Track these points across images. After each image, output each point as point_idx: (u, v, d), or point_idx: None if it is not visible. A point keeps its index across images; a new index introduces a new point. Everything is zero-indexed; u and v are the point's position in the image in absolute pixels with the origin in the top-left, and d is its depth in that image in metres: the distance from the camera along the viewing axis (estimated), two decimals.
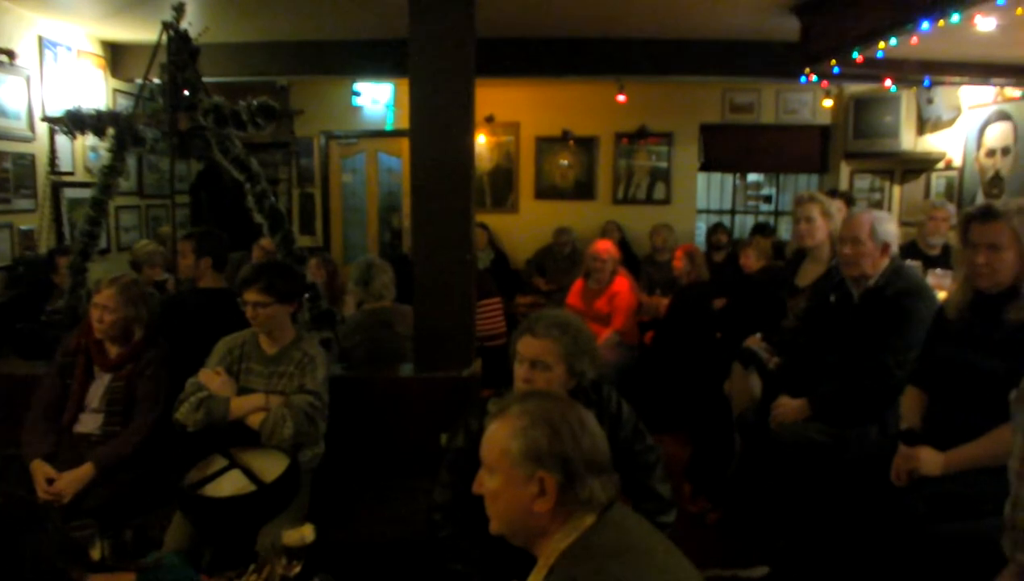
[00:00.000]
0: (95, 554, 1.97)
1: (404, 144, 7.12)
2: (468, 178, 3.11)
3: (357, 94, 7.14)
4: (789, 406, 3.06)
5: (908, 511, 2.33)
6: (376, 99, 7.50)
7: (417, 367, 3.24)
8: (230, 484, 2.46)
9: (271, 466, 2.53)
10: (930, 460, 2.37)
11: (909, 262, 3.70)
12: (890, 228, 2.92)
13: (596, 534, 1.31)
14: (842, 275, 3.11)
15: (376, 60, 5.93)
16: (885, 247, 2.91)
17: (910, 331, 2.78)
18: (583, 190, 7.81)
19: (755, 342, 3.71)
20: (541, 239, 7.39)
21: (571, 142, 7.76)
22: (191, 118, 3.24)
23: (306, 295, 3.36)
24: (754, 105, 7.59)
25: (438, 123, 3.08)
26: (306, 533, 2.09)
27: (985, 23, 3.51)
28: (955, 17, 3.18)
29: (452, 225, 3.10)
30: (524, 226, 7.72)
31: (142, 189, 6.48)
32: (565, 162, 7.82)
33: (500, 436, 1.36)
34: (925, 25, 3.32)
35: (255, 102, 3.28)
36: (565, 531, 1.32)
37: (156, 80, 3.38)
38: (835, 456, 2.87)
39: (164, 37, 3.26)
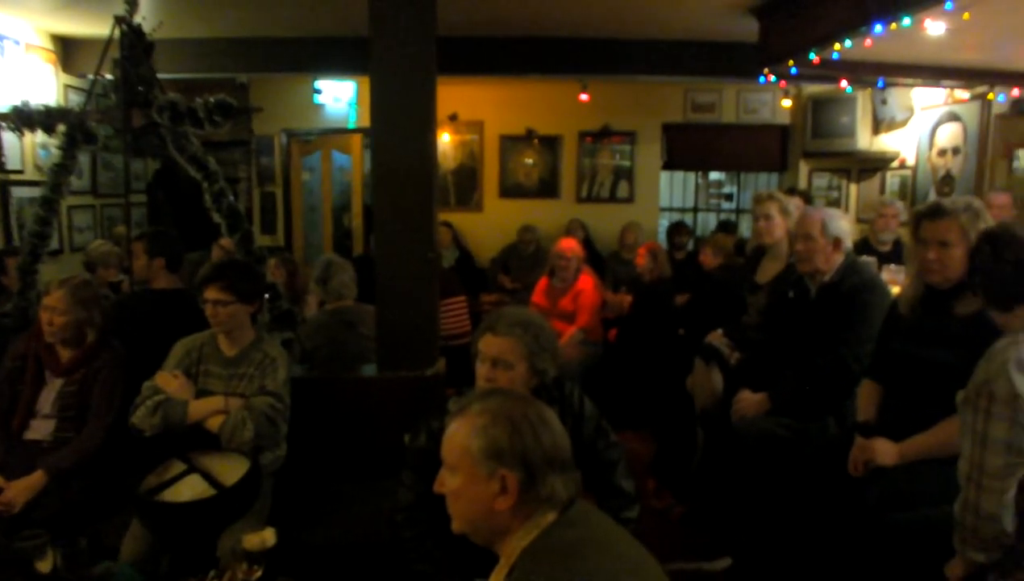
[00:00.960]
0: (45, 565, 1.92)
1: (355, 141, 7.07)
2: (430, 176, 3.10)
3: (318, 92, 7.05)
4: (750, 400, 3.11)
5: (864, 502, 2.38)
6: (338, 97, 7.43)
7: (380, 367, 3.21)
8: (189, 489, 2.42)
9: (231, 470, 2.49)
10: (885, 451, 2.43)
11: (864, 258, 3.78)
12: (842, 224, 2.98)
13: (558, 531, 1.31)
14: (799, 271, 3.16)
15: (337, 58, 5.87)
16: (837, 243, 2.97)
17: (865, 325, 2.84)
18: (547, 189, 7.83)
19: (716, 338, 3.76)
20: (506, 237, 7.39)
21: (535, 141, 7.77)
22: (145, 115, 3.18)
23: (266, 295, 3.31)
24: (715, 105, 7.68)
25: (399, 121, 3.05)
26: (267, 537, 2.06)
27: (935, 27, 3.59)
28: (906, 20, 3.26)
29: (414, 223, 3.08)
30: (489, 225, 7.71)
31: (96, 188, 6.32)
32: (529, 161, 7.83)
33: (461, 435, 1.36)
34: (878, 28, 3.40)
35: (212, 99, 3.23)
36: (527, 529, 1.32)
37: (109, 76, 3.30)
38: (796, 449, 2.92)
39: (116, 32, 3.19)
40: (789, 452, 2.92)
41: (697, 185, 8.59)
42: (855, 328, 2.88)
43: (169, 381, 2.72)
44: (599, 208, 7.78)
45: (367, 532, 2.67)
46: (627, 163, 7.79)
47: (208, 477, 2.46)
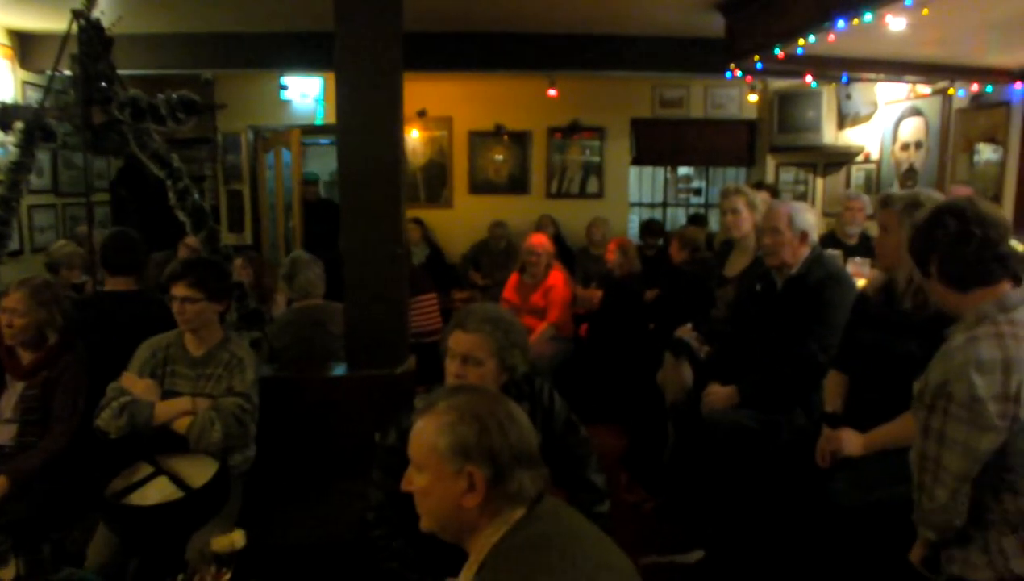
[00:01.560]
0: (7, 573, 1.88)
1: (294, 137, 7.01)
2: (397, 173, 3.08)
3: (284, 88, 6.96)
4: (719, 393, 3.14)
5: (831, 492, 2.41)
6: (305, 93, 7.35)
7: (349, 365, 3.19)
8: (156, 492, 2.39)
9: (199, 471, 2.46)
10: (851, 441, 2.47)
11: (830, 251, 3.83)
12: (808, 218, 3.02)
13: (526, 527, 1.31)
14: (766, 265, 3.19)
15: (304, 53, 5.81)
16: (803, 236, 3.01)
17: (831, 317, 2.89)
18: (517, 184, 7.83)
19: (686, 332, 3.79)
20: (476, 234, 7.37)
21: (505, 137, 7.76)
22: (105, 112, 3.11)
23: (235, 295, 3.27)
24: (683, 100, 7.74)
25: (366, 118, 3.03)
26: (236, 539, 2.04)
27: (896, 23, 3.65)
28: (868, 16, 3.31)
29: (382, 220, 3.06)
30: (459, 221, 7.69)
31: (58, 187, 6.19)
32: (499, 157, 7.82)
33: (427, 432, 1.35)
34: (841, 23, 3.45)
35: (175, 96, 3.17)
36: (495, 525, 1.32)
37: (67, 72, 3.23)
38: (765, 441, 2.96)
39: (74, 27, 3.12)
40: (758, 444, 2.95)
41: (666, 180, 8.64)
42: (821, 320, 2.92)
43: (135, 382, 2.68)
44: (569, 204, 7.80)
45: (338, 532, 2.65)
46: (596, 158, 7.82)
47: (176, 479, 2.43)
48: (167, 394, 2.70)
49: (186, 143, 7.06)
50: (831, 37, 3.68)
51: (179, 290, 2.67)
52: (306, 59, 5.86)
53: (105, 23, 3.20)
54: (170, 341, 2.80)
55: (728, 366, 3.28)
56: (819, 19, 3.62)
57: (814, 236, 3.06)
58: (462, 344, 2.08)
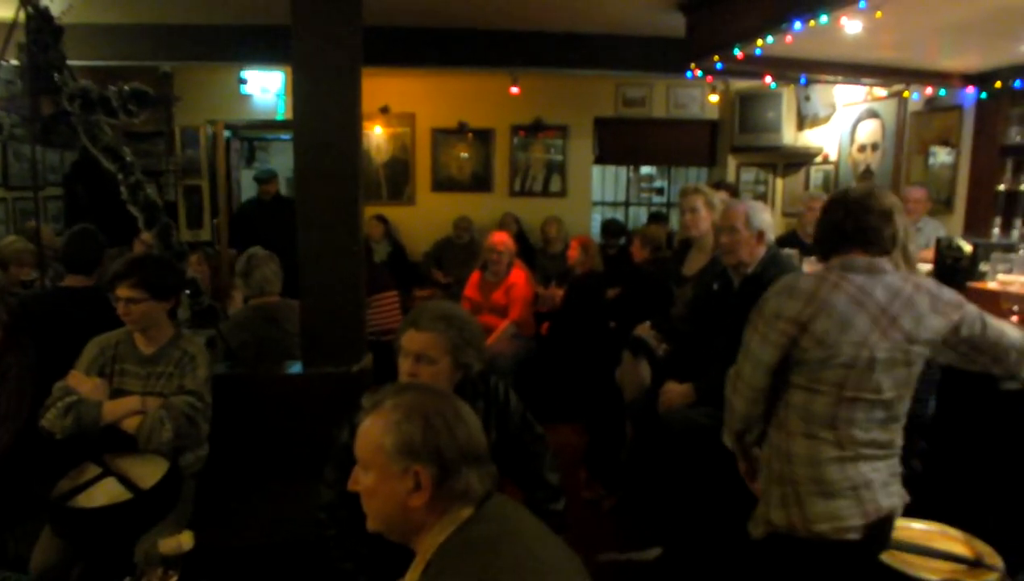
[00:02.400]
0: None
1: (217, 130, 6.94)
2: (355, 169, 3.04)
3: (244, 82, 6.85)
4: (675, 391, 3.16)
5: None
6: (266, 88, 7.25)
7: (305, 363, 3.15)
8: (104, 493, 2.34)
9: (149, 472, 2.42)
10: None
11: (787, 250, 3.88)
12: (764, 217, 3.04)
13: (474, 527, 1.30)
14: (724, 264, 3.22)
15: (264, 47, 5.72)
16: (760, 235, 3.04)
17: None
18: (480, 182, 7.81)
19: (644, 330, 3.80)
20: (439, 231, 7.34)
21: (469, 135, 7.74)
22: (54, 103, 3.02)
23: (186, 291, 3.21)
24: (646, 99, 7.79)
25: (323, 113, 2.99)
26: (183, 541, 2.00)
27: (852, 25, 3.71)
28: (824, 18, 3.36)
29: (338, 216, 3.02)
30: (421, 218, 7.64)
31: (7, 180, 6.02)
32: (462, 154, 7.80)
33: (373, 431, 1.33)
34: (797, 25, 3.49)
35: (127, 87, 3.10)
36: (442, 525, 1.31)
37: (14, 61, 3.14)
38: (720, 438, 2.98)
39: (22, 15, 3.02)
40: (713, 441, 2.97)
41: (629, 179, 8.69)
42: None
43: (82, 381, 2.63)
44: (532, 202, 7.81)
45: (293, 532, 2.61)
46: (559, 157, 7.84)
47: (124, 480, 2.39)
48: (117, 393, 2.64)
49: (143, 137, 6.93)
50: (788, 38, 3.74)
51: (123, 291, 2.61)
52: (266, 53, 5.77)
53: (55, 11, 3.11)
54: (119, 339, 2.74)
55: (685, 364, 3.30)
56: (776, 20, 3.67)
57: (770, 235, 3.09)
58: (415, 343, 2.06)
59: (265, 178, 6.75)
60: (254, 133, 8.38)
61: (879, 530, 1.96)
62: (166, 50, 5.93)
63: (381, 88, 7.32)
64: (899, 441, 2.02)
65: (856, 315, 1.90)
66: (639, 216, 8.49)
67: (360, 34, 3.04)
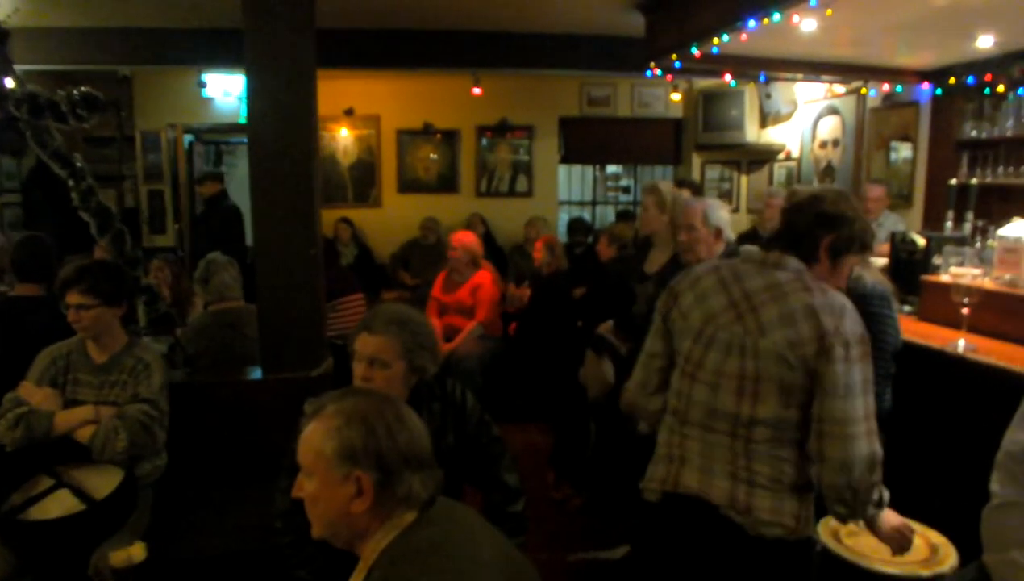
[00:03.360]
0: None
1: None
2: (310, 171, 3.01)
3: (203, 85, 6.76)
4: None
5: None
6: (228, 91, 7.17)
7: (264, 369, 3.12)
8: (58, 505, 2.30)
9: (104, 482, 2.39)
10: None
11: (747, 247, 3.91)
12: (722, 214, 3.07)
13: (417, 531, 1.29)
14: (683, 261, 3.24)
15: (222, 50, 5.65)
16: (718, 233, 3.06)
17: None
18: (446, 183, 7.80)
19: (607, 329, 3.81)
20: (406, 233, 7.32)
21: (438, 136, 7.72)
22: (1, 108, 2.97)
23: (143, 298, 3.16)
24: (611, 99, 7.83)
25: (278, 115, 2.96)
26: (134, 553, 1.98)
27: (807, 23, 3.76)
28: (776, 16, 3.40)
29: (296, 220, 2.99)
30: (388, 220, 7.61)
31: None
32: (428, 156, 7.77)
33: (314, 438, 1.32)
34: (752, 23, 3.53)
35: (76, 92, 3.05)
36: (385, 530, 1.29)
37: None
38: None
39: None
40: None
41: (595, 178, 8.73)
42: None
43: (33, 392, 2.58)
44: (499, 202, 7.81)
45: (252, 540, 2.58)
46: (525, 157, 7.85)
47: (78, 491, 2.35)
48: (70, 403, 2.60)
49: (104, 141, 6.82)
50: (744, 36, 3.77)
51: (73, 298, 2.56)
52: (225, 56, 5.70)
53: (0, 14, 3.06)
54: (71, 348, 2.68)
55: None
56: (731, 19, 3.71)
57: (729, 233, 3.11)
58: (368, 346, 2.04)
59: (199, 179, 6.66)
60: (217, 137, 8.27)
61: (675, 506, 1.89)
62: (124, 53, 5.86)
63: (345, 90, 7.28)
64: (760, 450, 1.81)
65: (716, 294, 1.90)
66: (606, 215, 8.53)
67: (314, 36, 3.01)
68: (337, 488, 1.29)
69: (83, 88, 3.07)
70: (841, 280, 1.95)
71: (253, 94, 2.97)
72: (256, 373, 3.19)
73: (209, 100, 7.20)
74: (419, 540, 1.27)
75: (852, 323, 1.78)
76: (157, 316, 3.27)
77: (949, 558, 2.11)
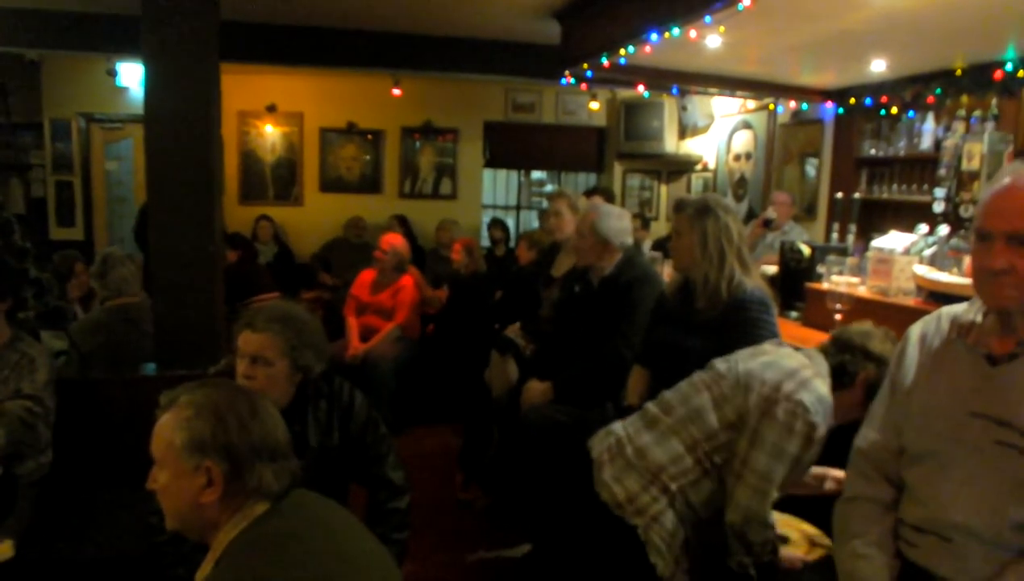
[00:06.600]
0: None
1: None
2: (211, 165, 2.97)
3: (115, 74, 6.53)
4: (535, 389, 3.24)
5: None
6: (143, 81, 6.95)
7: (159, 365, 3.06)
8: None
9: None
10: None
11: (652, 253, 4.04)
12: (611, 224, 3.16)
13: (267, 523, 1.30)
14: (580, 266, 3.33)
15: (135, 38, 5.48)
16: (605, 242, 3.15)
17: (636, 316, 3.04)
18: (369, 183, 7.76)
19: (514, 331, 3.88)
20: (327, 233, 7.26)
21: (369, 137, 7.67)
22: None
23: (31, 291, 3.07)
24: (536, 105, 7.92)
25: (176, 108, 2.92)
26: (3, 550, 1.92)
27: (712, 40, 3.90)
28: (675, 31, 3.52)
29: (193, 214, 2.95)
30: (309, 219, 7.53)
31: None
32: (351, 155, 7.72)
33: (165, 429, 1.33)
34: (654, 36, 3.64)
35: None
36: (235, 521, 1.30)
37: None
38: (576, 435, 3.06)
39: None
40: (570, 438, 3.05)
41: (520, 183, 8.82)
42: (627, 319, 3.07)
43: None
44: (422, 204, 7.81)
45: (138, 541, 2.53)
46: (450, 160, 7.88)
47: None
48: None
49: (9, 128, 6.55)
50: (648, 49, 3.89)
51: None
52: (136, 44, 5.54)
53: None
54: None
55: (548, 363, 3.38)
56: (635, 31, 3.82)
57: (618, 241, 3.19)
58: (251, 344, 2.03)
59: None
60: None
61: None
62: (31, 36, 5.62)
63: (268, 86, 7.18)
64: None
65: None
66: (530, 220, 8.62)
67: (217, 27, 2.98)
68: (187, 479, 1.30)
69: None
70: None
71: (150, 84, 2.93)
72: (151, 370, 3.13)
73: (124, 89, 6.98)
74: (268, 532, 1.28)
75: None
76: (47, 311, 3.16)
77: (825, 545, 2.21)
